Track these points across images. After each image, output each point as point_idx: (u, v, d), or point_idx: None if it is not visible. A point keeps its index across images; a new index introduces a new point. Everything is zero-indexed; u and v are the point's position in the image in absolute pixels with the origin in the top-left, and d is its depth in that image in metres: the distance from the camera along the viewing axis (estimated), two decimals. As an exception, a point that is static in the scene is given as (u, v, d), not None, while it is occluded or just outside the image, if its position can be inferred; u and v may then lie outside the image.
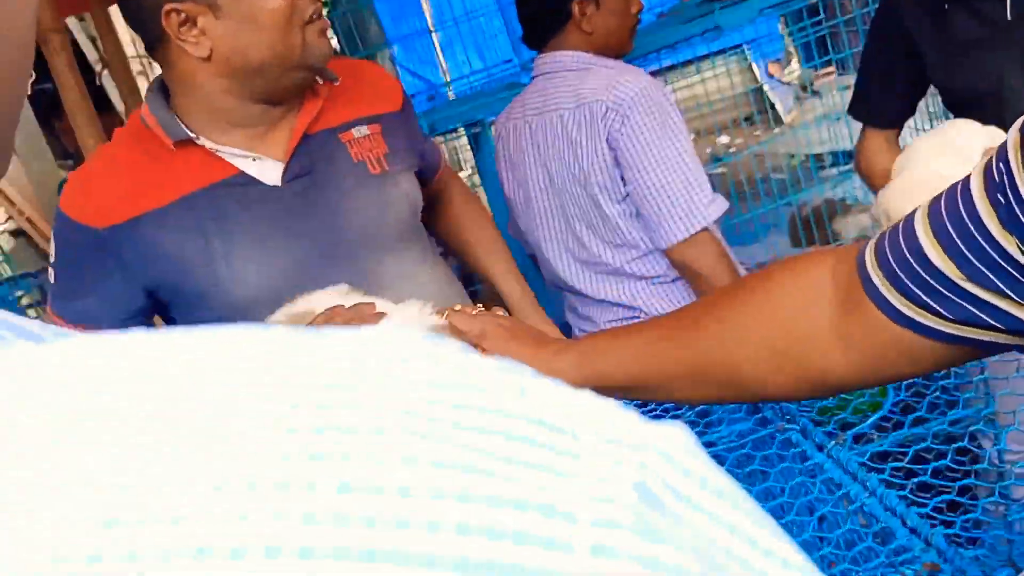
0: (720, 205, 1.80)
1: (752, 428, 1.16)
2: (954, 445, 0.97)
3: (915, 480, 0.94)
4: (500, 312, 0.99)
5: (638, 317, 1.95)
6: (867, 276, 0.65)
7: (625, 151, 1.79)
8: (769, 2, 2.45)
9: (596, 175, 1.85)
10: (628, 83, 1.79)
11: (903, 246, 0.62)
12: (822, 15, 2.61)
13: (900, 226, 0.64)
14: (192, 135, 1.26)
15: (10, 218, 6.23)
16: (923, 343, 0.63)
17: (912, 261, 0.61)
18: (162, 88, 1.31)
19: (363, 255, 1.34)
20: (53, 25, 2.02)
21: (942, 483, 0.95)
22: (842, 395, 1.16)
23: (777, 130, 4.43)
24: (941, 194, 0.61)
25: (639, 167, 1.79)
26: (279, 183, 1.28)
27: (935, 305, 0.60)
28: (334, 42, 4.19)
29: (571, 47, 1.93)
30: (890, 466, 0.95)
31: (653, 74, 2.99)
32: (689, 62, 2.78)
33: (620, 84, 1.79)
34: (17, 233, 6.40)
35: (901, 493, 0.92)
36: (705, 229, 1.78)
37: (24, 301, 4.84)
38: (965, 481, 0.94)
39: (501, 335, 0.89)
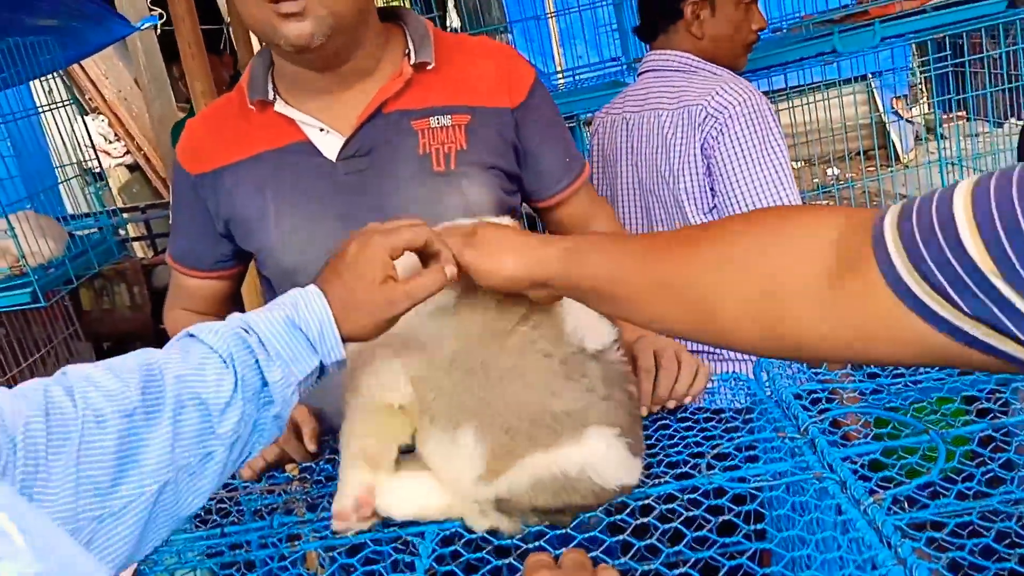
0: None
1: (791, 470, 1.10)
2: (998, 525, 0.89)
3: (949, 555, 0.87)
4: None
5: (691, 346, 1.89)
6: (883, 244, 0.59)
7: (719, 161, 1.73)
8: (892, 32, 2.32)
9: (685, 181, 1.79)
10: (732, 91, 1.73)
11: (935, 221, 0.56)
12: (948, 51, 2.46)
13: (935, 198, 0.57)
14: (269, 98, 1.29)
15: (127, 152, 6.55)
16: (917, 328, 0.58)
17: (942, 241, 0.55)
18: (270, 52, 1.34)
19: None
20: None
21: (981, 562, 0.87)
22: (893, 451, 1.08)
23: (893, 168, 4.23)
24: (991, 173, 0.55)
25: (732, 180, 1.72)
26: (335, 159, 1.28)
27: (954, 295, 0.54)
28: (455, 21, 4.21)
29: (680, 47, 1.89)
30: (926, 535, 0.88)
31: (768, 94, 2.91)
32: (810, 86, 2.68)
33: (723, 91, 1.74)
34: (133, 168, 6.73)
35: (933, 567, 0.85)
36: None
37: (131, 232, 5.09)
38: (1006, 565, 0.86)
39: (490, 229, 0.95)
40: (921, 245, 0.56)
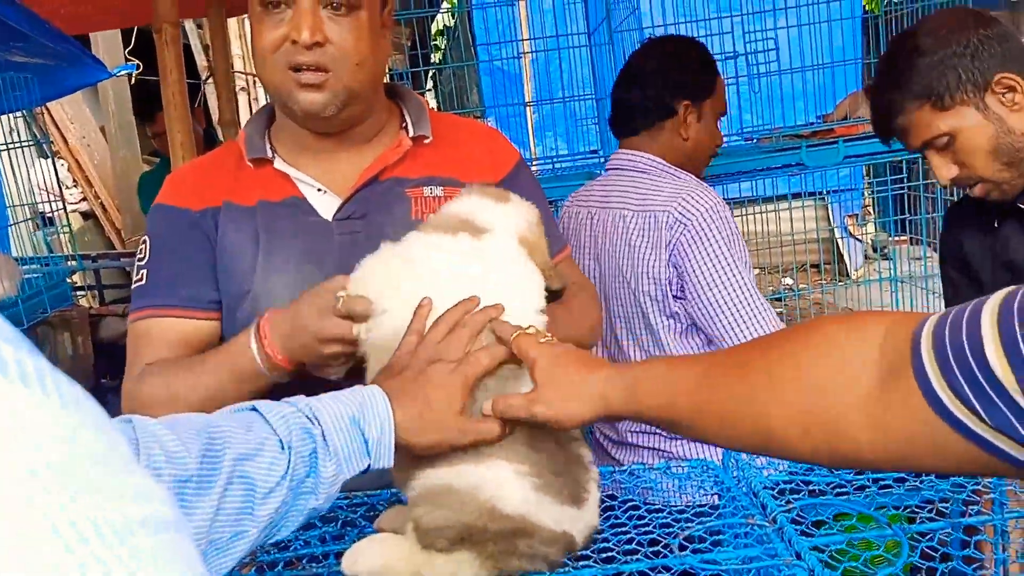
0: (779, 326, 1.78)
1: (759, 556, 1.11)
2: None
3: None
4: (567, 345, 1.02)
5: (659, 434, 1.90)
6: (919, 356, 0.63)
7: (689, 269, 1.76)
8: (855, 151, 2.46)
9: (648, 285, 1.82)
10: (698, 198, 1.78)
11: (964, 337, 0.60)
12: (904, 175, 2.61)
13: (966, 313, 0.61)
14: (269, 155, 1.33)
15: (84, 199, 6.45)
16: (954, 439, 0.61)
17: (969, 356, 0.59)
18: (266, 115, 1.39)
19: None
20: (169, 17, 2.11)
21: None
22: (856, 542, 1.10)
23: (842, 283, 4.39)
24: (1016, 291, 0.59)
25: (702, 286, 1.76)
26: (330, 219, 1.30)
27: (978, 406, 0.58)
28: (432, 101, 4.31)
29: (653, 149, 1.94)
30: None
31: (733, 203, 3.03)
32: (769, 198, 2.80)
33: (690, 198, 1.78)
34: (87, 215, 6.62)
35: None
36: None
37: (77, 281, 4.98)
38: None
39: (552, 361, 0.96)
40: (950, 355, 0.60)
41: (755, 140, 2.74)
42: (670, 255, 1.78)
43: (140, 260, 1.33)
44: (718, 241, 1.75)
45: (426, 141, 1.35)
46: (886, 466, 0.72)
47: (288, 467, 0.83)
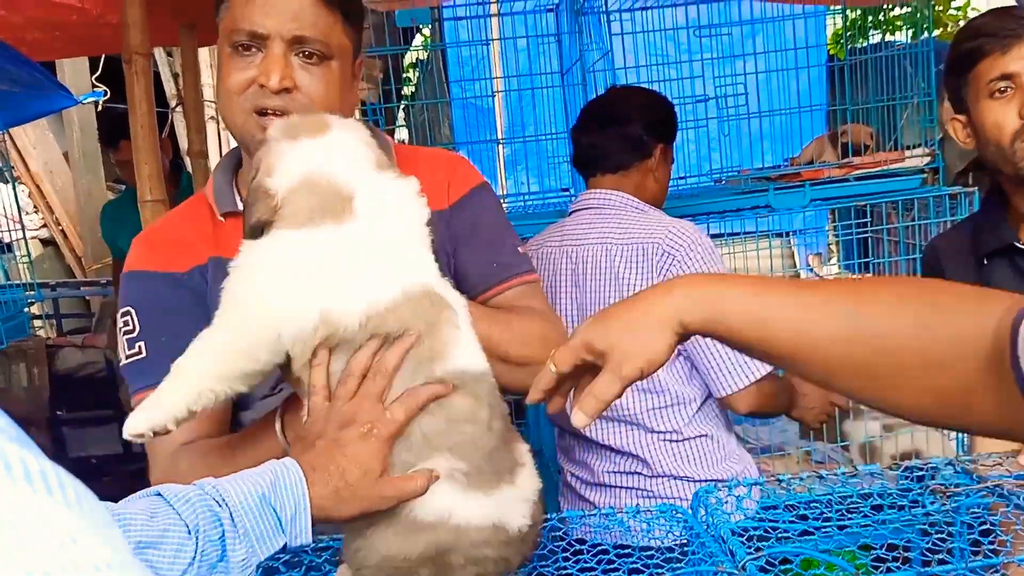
0: None
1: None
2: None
3: None
4: None
5: (640, 474, 1.90)
6: (1015, 344, 0.65)
7: None
8: (821, 195, 2.51)
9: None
10: (683, 230, 1.84)
11: None
12: (869, 219, 2.67)
13: None
14: (239, 208, 1.29)
15: (44, 225, 6.34)
16: None
17: None
18: (234, 160, 1.35)
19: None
20: (140, 48, 2.08)
21: None
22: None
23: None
24: None
25: None
26: None
27: None
28: (403, 134, 4.31)
29: (624, 187, 1.98)
30: None
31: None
32: (735, 234, 2.83)
33: (674, 230, 1.84)
34: (47, 242, 6.50)
35: None
36: (761, 379, 1.79)
37: (35, 309, 4.87)
38: None
39: (600, 320, 0.88)
40: None
41: (724, 181, 2.79)
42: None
43: (129, 333, 1.24)
44: (707, 268, 1.81)
45: None
46: (991, 434, 0.75)
47: (195, 553, 0.80)
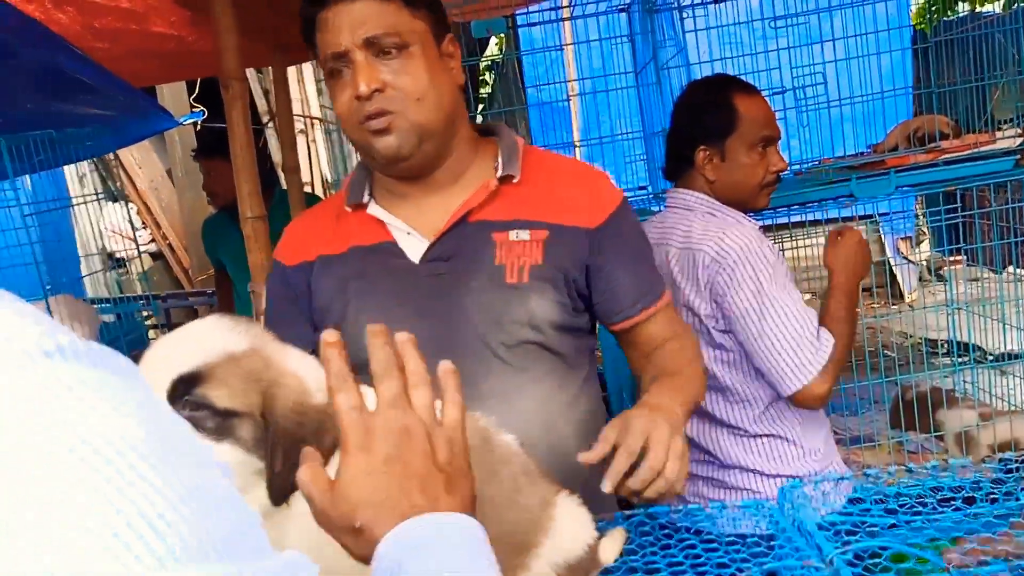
0: (825, 347, 1.79)
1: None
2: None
3: None
4: None
5: (712, 463, 1.93)
6: None
7: (732, 304, 1.82)
8: (906, 181, 2.45)
9: (691, 318, 1.89)
10: (735, 237, 1.83)
11: None
12: (959, 204, 2.59)
13: None
14: (365, 200, 1.40)
15: (153, 240, 6.68)
16: None
17: None
18: None
19: (471, 359, 1.29)
20: (236, 73, 2.17)
21: None
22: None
23: (896, 307, 4.32)
24: None
25: (747, 321, 1.81)
26: (418, 261, 1.35)
27: None
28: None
29: (696, 188, 2.01)
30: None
31: (780, 227, 3.03)
32: (818, 222, 2.79)
33: (726, 237, 1.83)
34: (156, 256, 6.84)
35: None
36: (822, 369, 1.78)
37: (149, 321, 5.15)
38: None
39: None
40: None
41: (805, 172, 2.74)
42: (710, 293, 1.84)
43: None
44: (754, 278, 1.80)
45: (513, 180, 1.36)
46: None
47: None
